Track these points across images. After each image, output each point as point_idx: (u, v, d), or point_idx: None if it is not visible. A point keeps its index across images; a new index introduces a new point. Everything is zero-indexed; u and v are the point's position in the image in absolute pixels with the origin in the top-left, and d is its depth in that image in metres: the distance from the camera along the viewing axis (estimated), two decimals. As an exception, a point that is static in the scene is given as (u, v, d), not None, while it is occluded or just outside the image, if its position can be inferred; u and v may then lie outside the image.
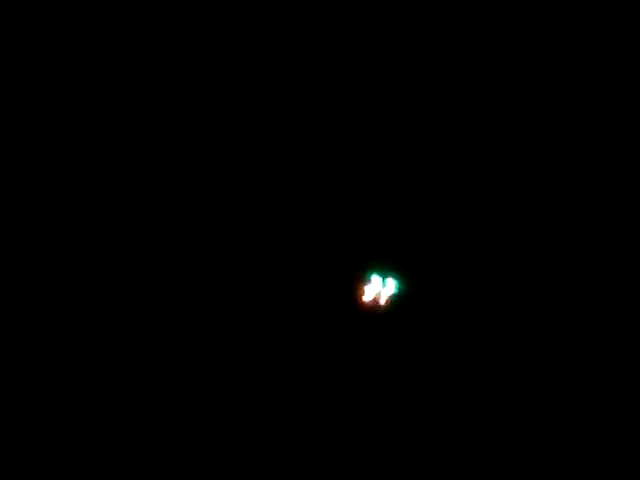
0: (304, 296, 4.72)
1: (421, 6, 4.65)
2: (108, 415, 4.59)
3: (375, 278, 4.69)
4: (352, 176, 4.76)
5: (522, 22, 4.66)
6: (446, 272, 4.76)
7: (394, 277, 4.69)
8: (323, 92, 4.73)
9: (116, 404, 4.62)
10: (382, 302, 4.69)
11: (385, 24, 4.68)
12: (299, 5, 4.64)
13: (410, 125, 4.77)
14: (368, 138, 4.76)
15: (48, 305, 4.65)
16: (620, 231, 4.76)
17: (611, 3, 4.61)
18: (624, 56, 4.68)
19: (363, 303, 4.69)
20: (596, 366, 4.71)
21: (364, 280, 4.70)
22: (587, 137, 4.77)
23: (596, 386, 4.68)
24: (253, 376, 4.68)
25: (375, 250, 4.75)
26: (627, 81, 4.71)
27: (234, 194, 4.75)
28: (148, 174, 4.75)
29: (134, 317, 4.70)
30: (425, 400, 4.71)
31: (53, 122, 4.68)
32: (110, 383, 4.63)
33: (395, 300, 4.69)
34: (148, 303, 4.71)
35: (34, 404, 4.57)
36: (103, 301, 4.69)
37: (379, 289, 4.69)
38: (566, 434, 4.64)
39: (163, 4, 4.63)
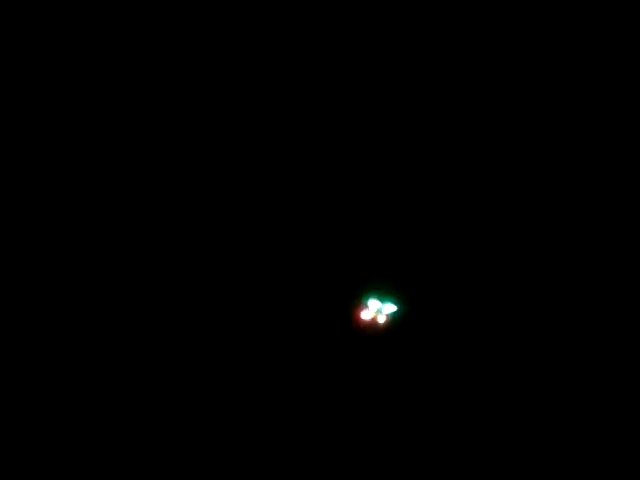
0: (304, 315, 4.77)
1: (421, 6, 4.59)
2: (108, 415, 4.64)
3: (373, 299, 4.74)
4: (351, 196, 4.77)
5: (522, 22, 4.62)
6: (442, 292, 4.82)
7: (392, 298, 4.75)
8: (321, 95, 4.71)
9: (116, 404, 4.67)
10: (381, 322, 4.75)
11: (385, 24, 4.63)
12: (299, 5, 4.58)
13: (406, 140, 4.77)
14: (366, 157, 4.76)
15: (48, 305, 4.68)
16: (620, 231, 4.81)
17: (611, 3, 4.58)
18: (624, 56, 4.66)
19: (362, 323, 4.75)
20: (595, 371, 4.79)
21: (363, 301, 4.75)
22: (587, 137, 4.78)
23: (596, 390, 4.77)
24: (254, 394, 4.75)
25: (373, 271, 4.79)
26: (627, 81, 4.70)
27: (231, 213, 4.77)
28: (148, 174, 4.75)
29: (131, 317, 4.74)
30: (424, 414, 4.80)
31: (53, 122, 4.66)
32: (110, 383, 4.68)
33: (393, 320, 4.76)
34: (142, 304, 4.75)
35: (34, 404, 4.60)
36: (103, 301, 4.72)
37: (377, 309, 4.74)
38: (566, 437, 4.75)
39: (163, 4, 4.58)
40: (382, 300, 4.75)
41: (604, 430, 4.74)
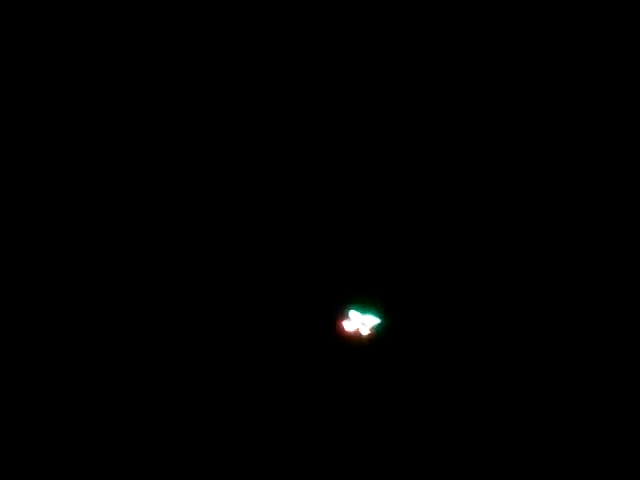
0: (288, 325, 4.79)
1: (421, 6, 4.62)
2: (108, 415, 4.67)
3: (356, 311, 4.76)
4: (337, 207, 4.80)
5: (522, 22, 4.63)
6: (426, 302, 4.82)
7: (375, 309, 4.76)
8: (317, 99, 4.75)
9: (116, 404, 4.70)
10: (364, 333, 4.77)
11: (385, 24, 4.66)
12: (299, 5, 4.62)
13: (395, 157, 4.79)
14: (352, 169, 4.79)
15: (48, 305, 4.72)
16: (620, 231, 4.78)
17: (611, 3, 4.57)
18: (624, 56, 4.64)
19: (346, 334, 4.77)
20: (594, 373, 4.74)
21: (346, 312, 4.77)
22: (587, 137, 4.76)
23: (595, 392, 4.71)
24: (236, 404, 4.76)
25: (357, 282, 4.81)
26: (627, 81, 4.68)
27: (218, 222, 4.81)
28: (146, 174, 4.79)
29: (126, 318, 4.77)
30: (412, 423, 4.78)
31: (53, 122, 4.71)
32: (110, 383, 4.71)
33: (377, 331, 4.77)
34: (137, 305, 4.79)
35: (34, 404, 4.63)
36: (103, 301, 4.76)
37: (361, 321, 4.76)
38: (565, 438, 4.69)
39: (163, 4, 4.62)
40: (365, 312, 4.76)
41: (604, 430, 4.67)
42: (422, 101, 4.74)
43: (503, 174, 4.81)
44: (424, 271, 4.83)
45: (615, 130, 4.74)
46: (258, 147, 4.80)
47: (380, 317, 4.78)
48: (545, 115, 4.74)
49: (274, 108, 4.76)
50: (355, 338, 4.76)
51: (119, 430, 4.66)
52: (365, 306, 4.76)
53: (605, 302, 4.79)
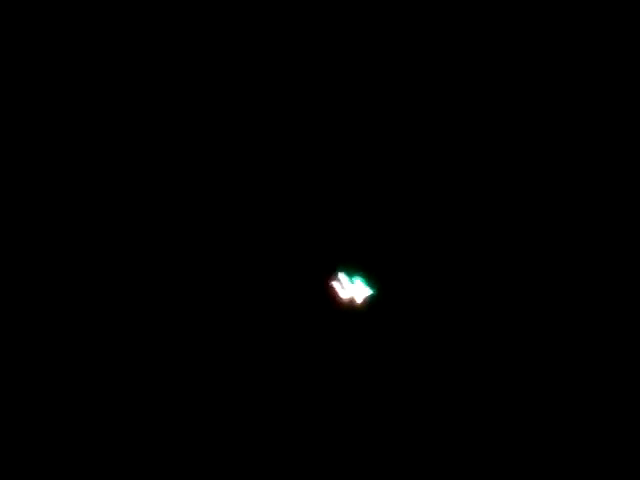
0: (280, 294, 4.78)
1: (421, 6, 4.69)
2: (108, 415, 4.67)
3: (348, 278, 4.74)
4: (330, 183, 4.83)
5: (522, 22, 4.68)
6: (422, 271, 4.78)
7: (367, 277, 4.74)
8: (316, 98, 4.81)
9: (116, 404, 4.70)
10: (358, 301, 4.74)
11: (385, 24, 4.73)
12: (299, 5, 4.69)
13: (385, 127, 4.82)
14: (342, 138, 4.81)
15: (48, 305, 4.74)
16: (620, 232, 4.73)
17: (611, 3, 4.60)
18: (624, 56, 4.66)
19: (339, 302, 4.74)
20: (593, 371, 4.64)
21: (339, 280, 4.75)
22: (587, 137, 4.75)
23: (594, 389, 4.61)
24: (232, 376, 4.73)
25: (350, 250, 4.80)
26: (627, 81, 4.68)
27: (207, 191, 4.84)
28: (146, 174, 4.84)
29: (125, 314, 4.79)
30: (408, 398, 4.70)
31: (53, 122, 4.77)
32: (110, 383, 4.71)
33: (371, 299, 4.73)
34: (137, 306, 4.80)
35: (34, 404, 4.65)
36: (103, 301, 4.78)
37: (355, 288, 4.73)
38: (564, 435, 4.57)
39: (163, 4, 4.69)
40: (353, 278, 4.74)
41: (604, 430, 4.54)
42: (422, 101, 4.80)
43: (502, 168, 4.82)
44: (421, 245, 4.81)
45: (615, 130, 4.73)
46: (258, 147, 4.86)
47: (373, 287, 4.74)
48: (545, 115, 4.76)
49: (274, 108, 4.83)
50: (349, 306, 4.73)
51: (119, 430, 4.66)
52: (359, 275, 4.74)
53: (605, 301, 4.70)
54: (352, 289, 4.72)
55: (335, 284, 4.74)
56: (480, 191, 4.80)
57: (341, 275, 4.73)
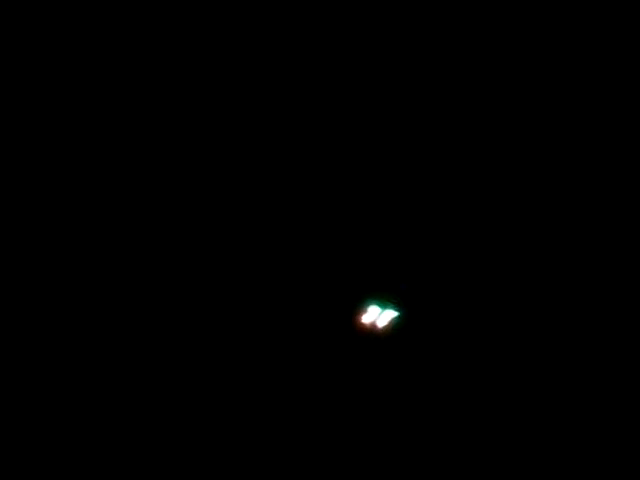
0: (305, 317, 4.94)
1: (421, 6, 4.68)
2: (108, 415, 4.78)
3: (374, 304, 4.93)
4: (352, 203, 4.89)
5: (522, 22, 4.69)
6: (441, 296, 4.96)
7: (392, 303, 4.93)
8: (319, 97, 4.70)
9: (116, 404, 4.81)
10: (380, 325, 4.94)
11: (385, 24, 4.73)
12: (299, 5, 4.67)
13: (406, 149, 4.86)
14: (363, 163, 4.82)
15: (48, 305, 4.76)
16: (620, 231, 4.89)
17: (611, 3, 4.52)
18: (624, 56, 4.59)
19: (362, 326, 4.94)
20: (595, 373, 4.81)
21: (363, 305, 4.94)
22: (587, 137, 4.78)
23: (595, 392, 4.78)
24: (255, 393, 4.91)
25: (374, 277, 4.98)
26: (627, 81, 4.65)
27: (232, 215, 4.87)
28: (148, 174, 4.77)
29: (132, 317, 4.85)
30: (423, 415, 4.90)
31: (53, 122, 4.63)
32: (110, 383, 4.81)
33: (393, 324, 4.93)
34: (141, 304, 4.86)
35: (34, 404, 4.71)
36: (103, 301, 4.81)
37: (377, 314, 4.93)
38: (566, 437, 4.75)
39: (163, 4, 4.44)
40: (382, 306, 4.94)
41: (604, 430, 4.73)
42: (422, 101, 4.83)
43: (504, 171, 4.89)
44: (440, 268, 4.97)
45: (615, 130, 4.76)
46: (258, 146, 4.79)
47: (397, 311, 4.94)
48: (545, 115, 4.74)
49: (274, 108, 4.71)
50: (371, 330, 4.94)
51: (119, 430, 4.77)
52: (383, 300, 4.93)
53: (606, 298, 4.87)
54: (375, 314, 4.92)
55: (359, 310, 4.93)
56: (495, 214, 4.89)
57: (366, 301, 4.92)
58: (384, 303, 4.94)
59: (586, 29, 4.53)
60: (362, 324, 4.95)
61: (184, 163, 4.77)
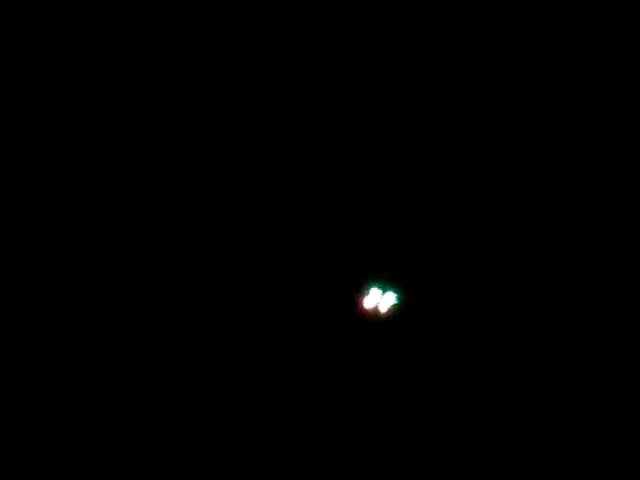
0: (307, 304, 4.88)
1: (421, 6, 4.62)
2: (108, 415, 4.70)
3: (375, 289, 4.87)
4: (354, 189, 4.89)
5: (522, 22, 4.64)
6: (443, 283, 4.91)
7: (394, 288, 4.87)
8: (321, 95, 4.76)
9: (116, 404, 4.73)
10: (382, 311, 4.87)
11: (385, 24, 4.67)
12: (299, 5, 4.61)
13: (409, 137, 4.85)
14: (368, 150, 4.85)
15: (48, 305, 4.74)
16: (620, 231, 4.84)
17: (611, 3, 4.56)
18: (624, 56, 4.66)
19: (364, 311, 4.88)
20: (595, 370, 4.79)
21: (365, 290, 4.88)
22: (587, 137, 4.80)
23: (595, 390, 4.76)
24: (256, 382, 4.84)
25: (376, 262, 4.92)
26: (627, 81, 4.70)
27: (236, 205, 4.87)
28: (148, 174, 4.82)
29: (134, 317, 4.81)
30: (424, 403, 4.85)
31: (53, 122, 4.72)
32: (110, 383, 4.74)
33: (395, 309, 4.87)
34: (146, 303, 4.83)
35: (34, 404, 4.66)
36: (103, 301, 4.79)
37: (379, 299, 4.87)
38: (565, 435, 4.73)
39: (163, 4, 4.60)
40: (384, 289, 4.88)
41: (604, 430, 4.72)
42: (422, 101, 4.83)
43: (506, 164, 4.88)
44: (442, 253, 4.93)
45: (615, 130, 4.80)
46: (258, 146, 4.87)
47: (399, 295, 4.88)
48: (545, 115, 4.81)
49: (274, 108, 4.82)
50: (373, 314, 4.87)
51: (119, 430, 4.70)
52: (385, 284, 4.87)
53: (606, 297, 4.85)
54: (377, 298, 4.85)
55: (361, 294, 4.86)
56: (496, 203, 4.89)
57: (368, 285, 4.86)
58: (386, 286, 4.86)
59: (586, 29, 4.62)
60: (364, 308, 4.87)
61: (180, 158, 4.80)
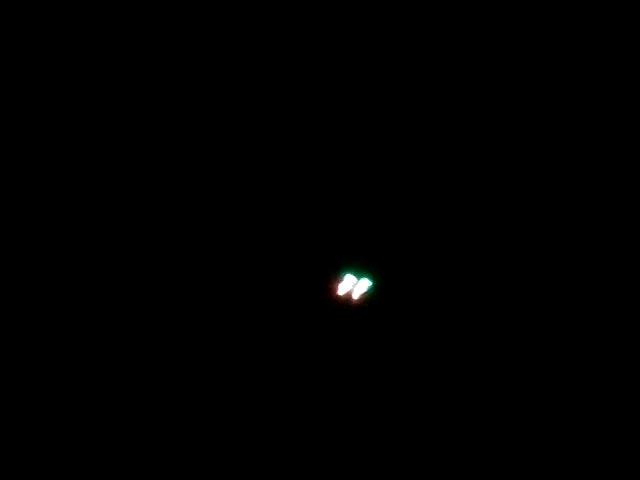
0: (281, 291, 4.90)
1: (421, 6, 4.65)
2: (108, 415, 4.74)
3: (349, 276, 4.86)
4: (329, 176, 4.91)
5: (522, 22, 4.65)
6: (417, 270, 4.90)
7: (367, 275, 4.87)
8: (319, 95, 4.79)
9: (116, 404, 4.77)
10: (355, 298, 4.87)
11: (385, 24, 4.70)
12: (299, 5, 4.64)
13: (385, 125, 4.86)
14: (347, 137, 4.86)
15: (48, 305, 4.78)
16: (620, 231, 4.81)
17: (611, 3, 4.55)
18: (624, 56, 4.65)
19: (337, 298, 4.87)
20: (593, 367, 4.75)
21: (339, 278, 4.88)
22: (587, 137, 4.79)
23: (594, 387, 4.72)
24: (230, 368, 4.86)
25: (349, 249, 4.92)
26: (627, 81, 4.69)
27: (216, 191, 4.93)
28: (148, 174, 4.86)
29: (131, 317, 4.85)
30: (398, 389, 4.83)
31: (53, 122, 4.75)
32: (110, 383, 4.78)
33: (367, 296, 4.86)
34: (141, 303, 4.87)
35: (34, 404, 4.69)
36: (103, 301, 4.83)
37: (352, 286, 4.86)
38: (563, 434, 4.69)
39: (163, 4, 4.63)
40: (358, 275, 4.87)
41: (604, 430, 4.67)
42: (422, 101, 4.85)
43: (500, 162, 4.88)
44: (418, 240, 4.92)
45: (615, 130, 4.78)
46: (257, 145, 4.90)
47: (372, 281, 4.88)
48: (545, 115, 4.80)
49: (274, 108, 4.84)
50: (346, 300, 4.87)
51: (119, 430, 4.73)
52: (359, 270, 4.87)
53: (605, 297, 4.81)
54: (351, 285, 4.85)
55: (334, 280, 4.86)
56: (478, 190, 4.88)
57: (342, 272, 4.86)
58: (360, 272, 4.86)
59: (586, 29, 4.60)
60: (337, 294, 4.87)
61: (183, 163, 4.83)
